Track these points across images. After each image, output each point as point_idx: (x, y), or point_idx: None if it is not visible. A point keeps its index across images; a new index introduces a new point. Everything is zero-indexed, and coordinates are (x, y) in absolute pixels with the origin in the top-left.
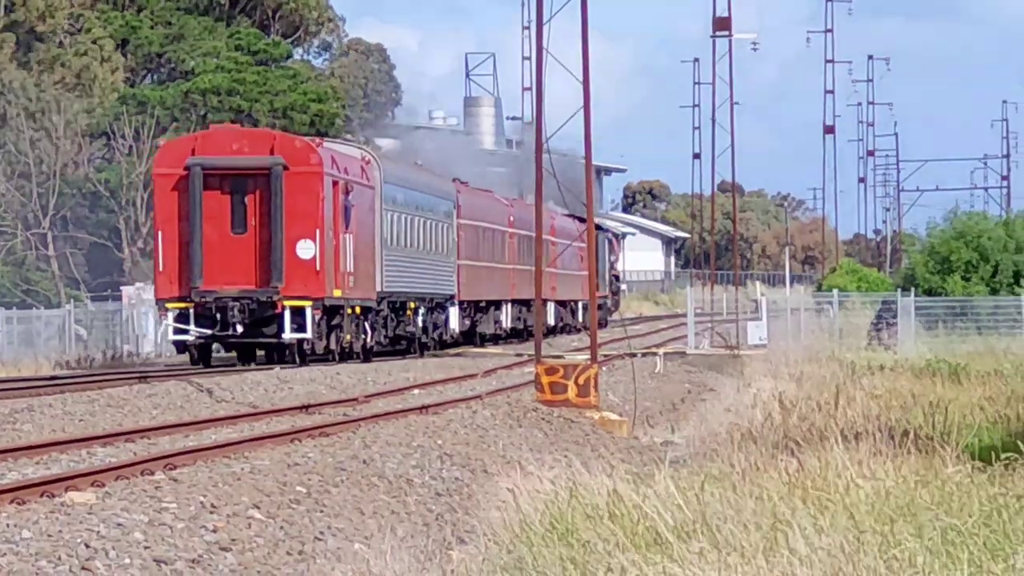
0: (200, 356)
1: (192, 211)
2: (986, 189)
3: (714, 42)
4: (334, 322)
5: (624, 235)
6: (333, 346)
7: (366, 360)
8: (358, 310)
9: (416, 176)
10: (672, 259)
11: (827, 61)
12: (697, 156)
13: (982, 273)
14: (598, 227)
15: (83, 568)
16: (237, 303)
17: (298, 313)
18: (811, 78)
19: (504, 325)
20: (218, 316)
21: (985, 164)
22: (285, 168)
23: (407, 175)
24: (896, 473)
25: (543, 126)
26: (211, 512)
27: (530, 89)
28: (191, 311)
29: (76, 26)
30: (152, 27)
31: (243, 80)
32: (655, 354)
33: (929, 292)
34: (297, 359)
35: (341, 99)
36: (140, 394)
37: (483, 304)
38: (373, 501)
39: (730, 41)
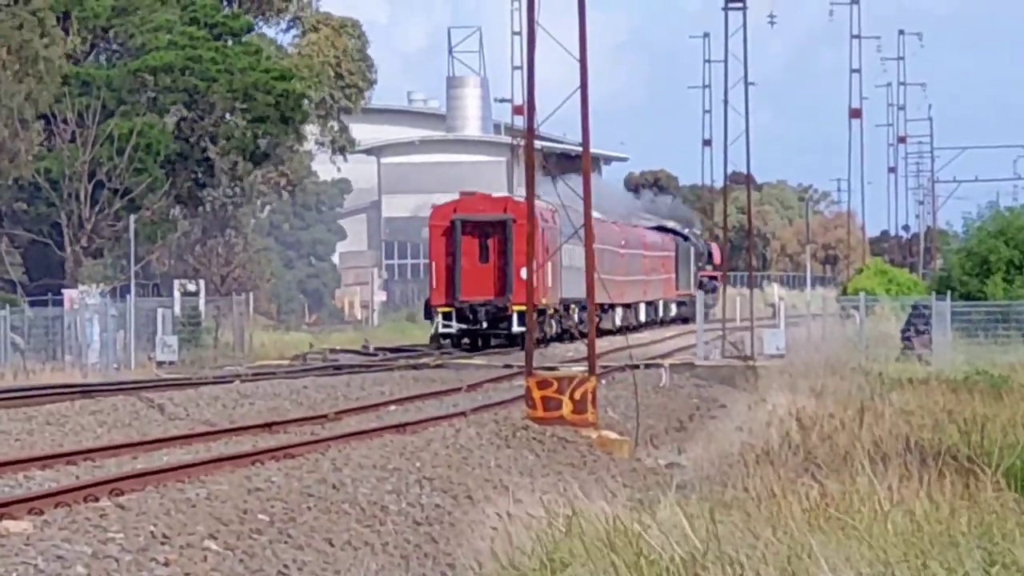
0: (456, 342)
1: (455, 248)
2: None
3: (726, 14)
4: (540, 320)
5: None
6: (538, 335)
7: (546, 345)
8: (552, 311)
9: (572, 215)
10: None
11: (852, 36)
12: (707, 143)
13: None
14: (685, 237)
15: None
16: (483, 308)
17: (522, 315)
18: (835, 56)
19: (615, 323)
20: (470, 316)
21: None
22: (514, 221)
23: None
24: (929, 499)
25: (534, 110)
26: (162, 543)
27: (520, 68)
28: (453, 313)
29: None
30: None
31: (198, 57)
32: (660, 365)
33: (967, 296)
34: (520, 344)
35: (308, 78)
36: (83, 411)
37: (606, 307)
38: (344, 531)
39: (744, 13)
